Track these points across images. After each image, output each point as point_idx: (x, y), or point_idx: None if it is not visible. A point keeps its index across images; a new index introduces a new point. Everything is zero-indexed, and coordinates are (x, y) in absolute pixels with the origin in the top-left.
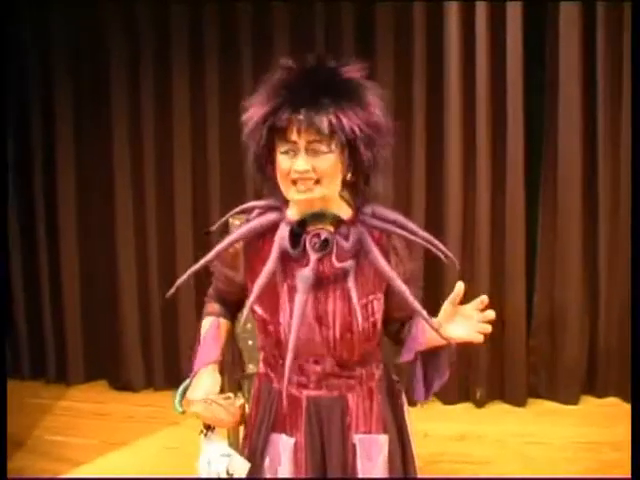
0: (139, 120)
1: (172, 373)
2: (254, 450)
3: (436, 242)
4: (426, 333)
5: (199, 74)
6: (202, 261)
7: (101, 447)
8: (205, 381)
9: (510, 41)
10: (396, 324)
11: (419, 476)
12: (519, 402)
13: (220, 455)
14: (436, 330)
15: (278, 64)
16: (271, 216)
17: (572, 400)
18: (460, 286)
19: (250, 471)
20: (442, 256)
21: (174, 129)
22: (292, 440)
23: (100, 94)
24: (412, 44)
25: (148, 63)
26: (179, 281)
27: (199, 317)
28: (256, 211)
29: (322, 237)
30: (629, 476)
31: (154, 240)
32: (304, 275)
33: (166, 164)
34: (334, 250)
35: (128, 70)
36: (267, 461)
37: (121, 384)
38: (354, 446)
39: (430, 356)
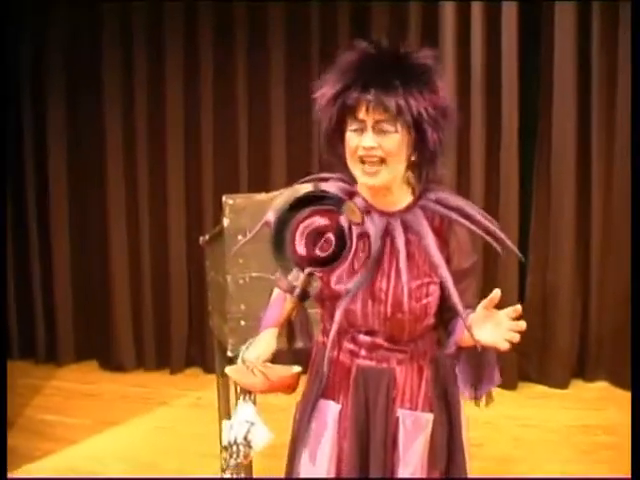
0: (132, 107)
1: (163, 354)
2: (302, 414)
3: (500, 234)
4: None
5: (193, 66)
6: (263, 220)
7: (93, 427)
8: (260, 344)
9: (505, 36)
10: (450, 313)
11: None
12: (510, 386)
13: (245, 421)
14: (468, 329)
15: (351, 45)
16: (344, 187)
17: (562, 384)
18: (497, 292)
19: (295, 435)
20: (500, 249)
21: (167, 117)
22: (338, 407)
23: (93, 80)
24: (407, 43)
25: (142, 61)
26: (247, 238)
27: (190, 298)
28: (331, 181)
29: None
30: (625, 469)
31: (146, 222)
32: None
33: (159, 148)
34: (396, 234)
35: (122, 66)
36: (313, 425)
37: (112, 364)
38: (397, 420)
39: (474, 355)
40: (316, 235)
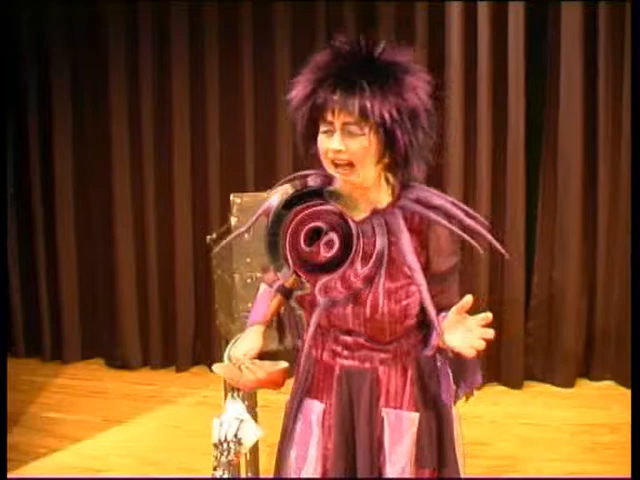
0: (138, 107)
1: (168, 352)
2: (288, 413)
3: (483, 232)
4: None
5: (199, 63)
6: (250, 220)
7: (98, 424)
8: (246, 341)
9: (512, 35)
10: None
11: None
12: (516, 385)
13: (234, 418)
14: (438, 333)
15: (326, 44)
16: (325, 181)
17: (568, 383)
18: (468, 298)
19: (282, 434)
20: (480, 249)
21: (173, 115)
22: (322, 406)
23: (98, 79)
24: (414, 43)
25: (147, 56)
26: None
27: (196, 296)
28: (312, 176)
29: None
30: (626, 466)
31: (152, 219)
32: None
33: (165, 145)
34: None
35: (127, 63)
36: (299, 424)
37: (118, 362)
38: (382, 419)
39: (453, 358)
40: (313, 234)
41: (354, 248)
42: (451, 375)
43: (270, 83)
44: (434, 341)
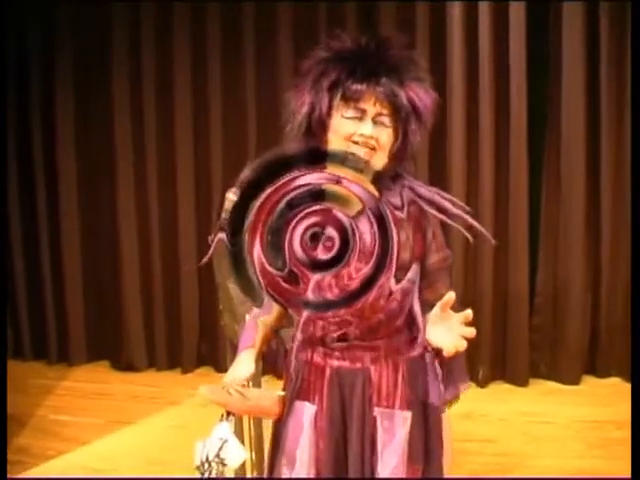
0: (141, 103)
1: (174, 353)
2: (280, 417)
3: (472, 221)
4: None
5: (201, 62)
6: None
7: (105, 426)
8: (238, 366)
9: (513, 34)
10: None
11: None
12: (522, 382)
13: (218, 438)
14: (420, 329)
15: (331, 39)
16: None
17: (574, 380)
18: (451, 295)
19: (275, 437)
20: (470, 237)
21: (176, 112)
22: (314, 408)
23: (102, 74)
24: (415, 44)
25: (150, 50)
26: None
27: (201, 297)
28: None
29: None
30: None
31: (156, 221)
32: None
33: (168, 142)
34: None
35: (129, 56)
36: (290, 427)
37: (123, 364)
38: (375, 419)
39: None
40: (307, 231)
41: (352, 246)
42: (440, 375)
43: (273, 81)
44: (420, 338)
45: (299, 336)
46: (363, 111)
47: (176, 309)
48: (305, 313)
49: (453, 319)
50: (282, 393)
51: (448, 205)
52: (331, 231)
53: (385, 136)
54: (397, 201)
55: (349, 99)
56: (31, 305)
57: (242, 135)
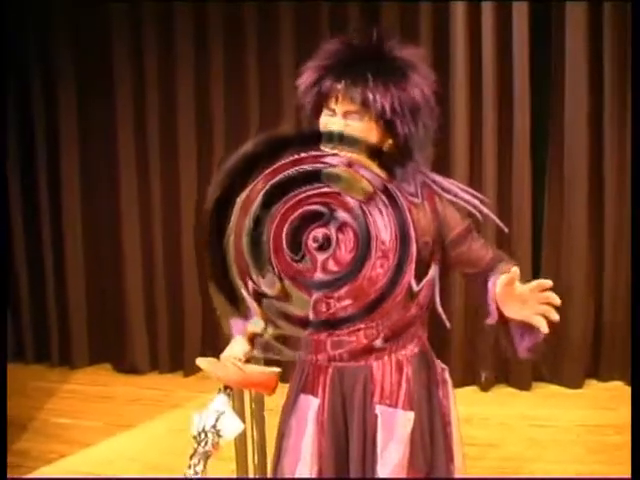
0: (144, 104)
1: (176, 356)
2: (285, 410)
3: (480, 206)
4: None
5: (204, 62)
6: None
7: (107, 429)
8: (235, 345)
9: (516, 36)
10: (475, 268)
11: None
12: (524, 386)
13: (214, 410)
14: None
15: (340, 35)
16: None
17: (576, 384)
18: (516, 270)
19: (280, 429)
20: (480, 217)
21: (179, 112)
22: (317, 401)
23: (105, 77)
24: (418, 44)
25: (153, 52)
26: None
27: (204, 300)
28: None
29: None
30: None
31: (159, 224)
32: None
33: (171, 146)
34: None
35: (132, 60)
36: (294, 421)
37: (126, 367)
38: (376, 417)
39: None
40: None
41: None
42: (450, 382)
43: (275, 81)
44: (492, 309)
45: (312, 316)
46: (333, 111)
47: (179, 312)
48: (315, 294)
49: (523, 291)
50: (278, 369)
51: (455, 189)
52: (344, 216)
53: (358, 131)
54: (411, 188)
55: (325, 99)
56: (33, 308)
57: (246, 138)
